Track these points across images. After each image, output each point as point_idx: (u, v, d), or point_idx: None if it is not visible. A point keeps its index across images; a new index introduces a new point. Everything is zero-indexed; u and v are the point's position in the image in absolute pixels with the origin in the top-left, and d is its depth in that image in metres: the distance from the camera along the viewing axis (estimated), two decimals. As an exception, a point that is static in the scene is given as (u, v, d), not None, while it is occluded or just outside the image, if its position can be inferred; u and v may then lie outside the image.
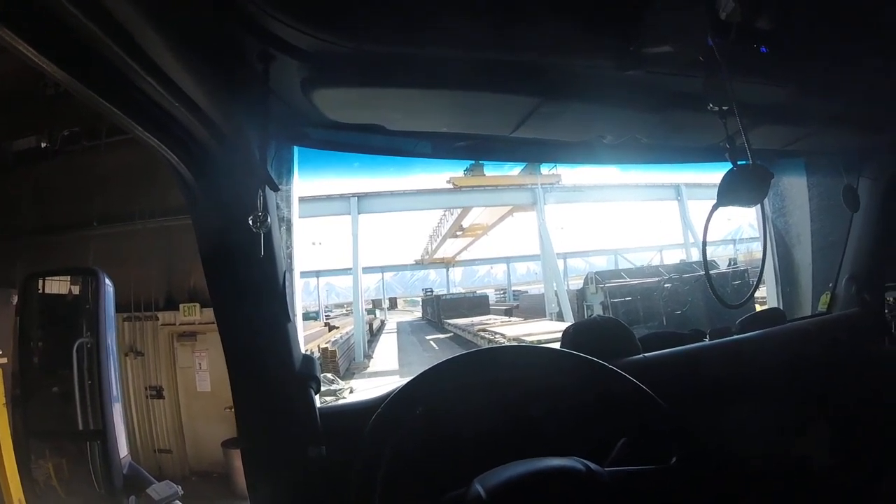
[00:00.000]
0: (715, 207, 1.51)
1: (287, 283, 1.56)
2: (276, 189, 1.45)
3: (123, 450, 1.43)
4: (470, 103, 1.63)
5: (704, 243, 1.73)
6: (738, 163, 1.46)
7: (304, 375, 1.60)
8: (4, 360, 6.18)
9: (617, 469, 1.35)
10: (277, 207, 1.59)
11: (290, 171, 1.93)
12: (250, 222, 1.33)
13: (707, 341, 2.24)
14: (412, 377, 1.42)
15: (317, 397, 1.62)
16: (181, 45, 1.08)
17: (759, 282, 1.63)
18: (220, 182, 1.42)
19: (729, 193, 1.48)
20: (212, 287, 1.50)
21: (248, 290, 1.50)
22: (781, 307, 3.54)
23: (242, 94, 1.33)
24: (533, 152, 2.11)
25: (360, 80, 1.41)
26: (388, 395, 1.42)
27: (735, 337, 2.27)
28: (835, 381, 2.11)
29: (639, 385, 1.43)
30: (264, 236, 1.39)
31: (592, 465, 1.30)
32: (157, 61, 1.06)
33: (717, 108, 1.44)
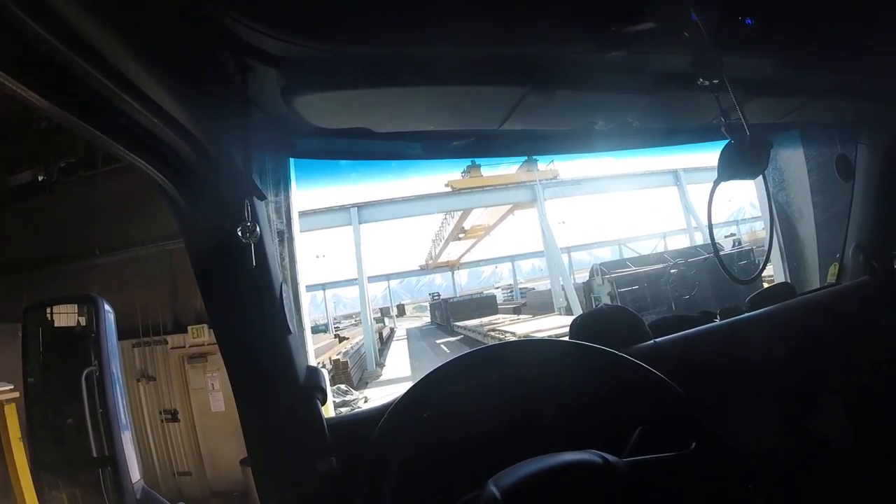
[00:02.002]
0: (717, 182, 1.50)
1: (284, 295, 1.54)
2: (262, 198, 1.43)
3: (136, 475, 1.41)
4: (455, 99, 1.61)
5: (710, 221, 1.69)
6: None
7: (310, 387, 1.57)
8: (17, 395, 6.21)
9: (634, 459, 1.33)
10: (269, 220, 1.57)
11: (286, 184, 1.92)
12: (239, 233, 1.31)
13: (718, 322, 2.22)
14: (417, 381, 1.40)
15: (324, 408, 1.60)
16: (156, 62, 1.06)
17: (769, 255, 1.62)
18: (207, 197, 1.39)
19: (729, 167, 1.46)
20: (208, 304, 1.49)
21: (244, 303, 1.48)
22: (789, 282, 3.51)
23: (222, 107, 1.31)
24: (527, 145, 2.08)
25: (341, 83, 1.39)
26: (393, 401, 1.40)
27: (746, 315, 2.24)
28: (848, 351, 2.08)
29: (652, 371, 1.41)
30: (255, 247, 1.37)
31: (609, 457, 1.27)
32: (133, 80, 1.04)
33: (707, 83, 1.42)
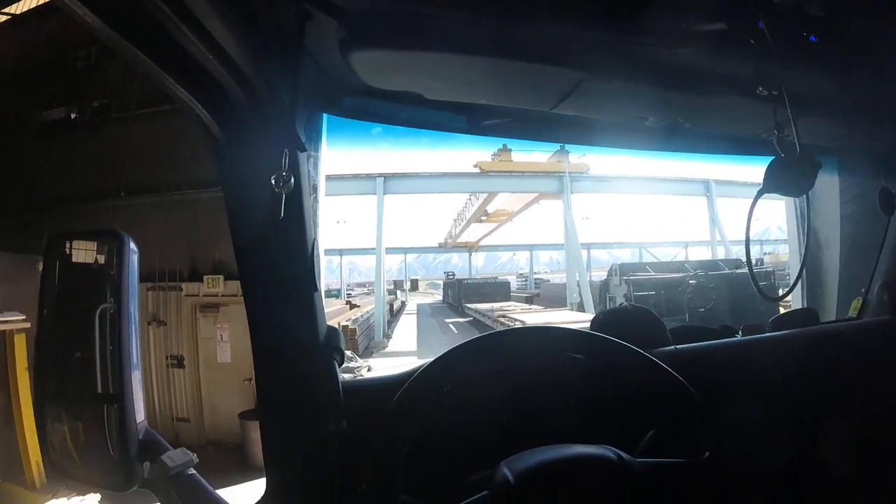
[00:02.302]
0: (760, 193, 1.49)
1: (316, 252, 1.53)
2: (302, 150, 1.42)
3: (140, 415, 1.43)
4: (512, 74, 1.58)
5: (748, 232, 1.67)
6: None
7: (329, 347, 1.56)
8: (28, 325, 6.30)
9: (648, 460, 1.31)
10: (308, 174, 1.55)
11: (317, 141, 1.89)
12: (272, 182, 1.29)
13: (740, 337, 2.19)
14: (437, 356, 1.39)
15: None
16: None
17: (801, 275, 1.59)
18: (248, 140, 1.37)
19: (775, 180, 1.44)
20: (238, 250, 1.47)
21: (273, 255, 1.46)
22: (811, 308, 3.47)
23: (277, 51, 1.30)
24: (570, 133, 2.05)
25: (398, 41, 1.37)
26: (412, 371, 1.39)
27: (769, 334, 2.22)
28: (865, 388, 2.05)
29: (673, 374, 1.39)
30: (288, 199, 1.35)
31: (624, 455, 1.26)
32: (191, 9, 1.03)
33: (766, 94, 1.39)
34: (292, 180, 1.31)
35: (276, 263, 1.46)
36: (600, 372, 1.49)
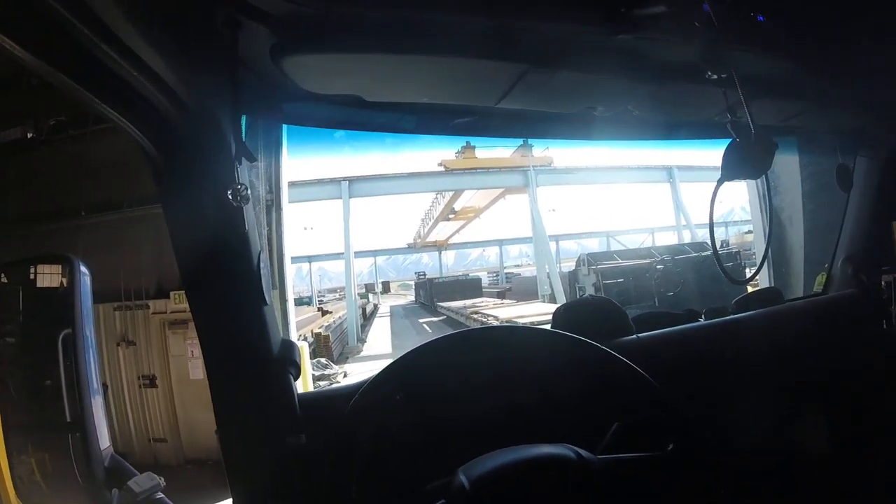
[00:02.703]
0: (720, 182, 1.48)
1: (262, 265, 1.50)
2: (252, 160, 1.39)
3: (105, 442, 1.40)
4: (452, 71, 1.55)
5: (711, 220, 1.65)
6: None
7: (283, 361, 1.53)
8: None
9: (609, 456, 1.31)
10: (253, 186, 1.52)
11: (277, 151, 1.87)
12: (229, 196, 1.27)
13: (703, 321, 2.21)
14: (392, 360, 1.38)
15: (300, 383, 1.57)
16: (140, 11, 1.01)
17: (766, 257, 1.61)
18: (188, 158, 1.34)
19: (733, 166, 1.44)
20: (183, 270, 1.44)
21: (219, 270, 1.43)
22: (776, 287, 3.52)
23: (209, 63, 1.27)
24: (523, 127, 2.05)
25: (333, 45, 1.33)
26: (367, 380, 1.38)
27: (732, 317, 2.23)
28: (832, 362, 2.08)
29: (632, 367, 1.39)
30: (237, 213, 1.33)
31: (583, 453, 1.25)
32: (114, 31, 0.99)
33: (715, 77, 1.40)
34: (229, 193, 1.28)
35: (220, 280, 1.44)
36: (561, 369, 1.48)
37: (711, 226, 1.70)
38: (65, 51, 0.99)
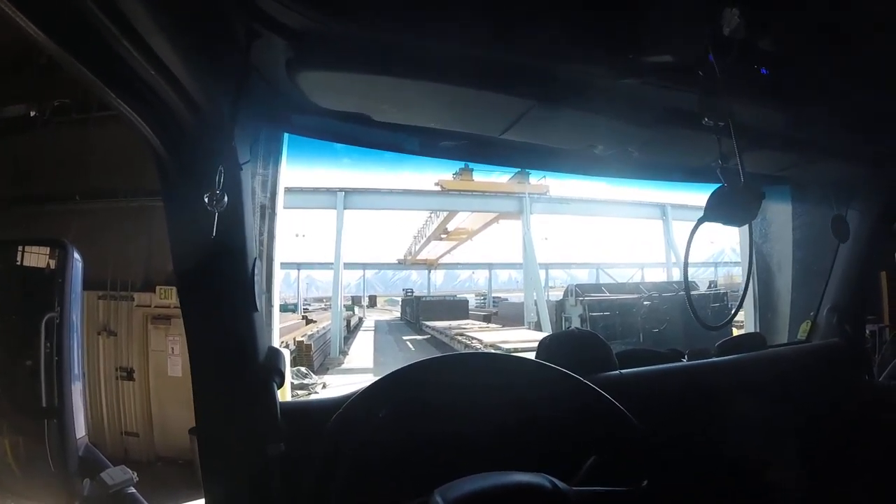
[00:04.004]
0: (700, 221, 1.48)
1: (257, 271, 1.51)
2: (239, 168, 1.40)
3: (81, 431, 1.39)
4: (461, 100, 1.59)
5: (686, 259, 1.67)
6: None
7: (268, 369, 1.53)
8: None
9: (584, 489, 1.32)
10: (253, 192, 1.53)
11: (276, 159, 1.88)
12: (232, 200, 1.28)
13: (685, 362, 2.22)
14: (379, 377, 1.38)
15: (280, 392, 1.57)
16: (163, 10, 1.03)
17: (741, 304, 1.62)
18: (189, 156, 1.35)
19: (717, 209, 1.45)
20: (178, 267, 1.45)
21: (213, 273, 1.44)
22: (759, 332, 3.54)
23: (223, 68, 1.29)
24: (522, 158, 2.07)
25: (346, 64, 1.36)
26: (351, 394, 1.38)
27: (714, 359, 2.25)
28: (812, 410, 2.10)
29: (613, 402, 1.41)
30: (226, 218, 1.33)
31: (559, 483, 1.26)
32: (135, 26, 1.01)
33: (712, 125, 1.42)
34: (225, 199, 1.29)
35: (213, 281, 1.44)
36: (542, 399, 1.49)
37: (686, 265, 1.72)
38: (86, 42, 1.01)
